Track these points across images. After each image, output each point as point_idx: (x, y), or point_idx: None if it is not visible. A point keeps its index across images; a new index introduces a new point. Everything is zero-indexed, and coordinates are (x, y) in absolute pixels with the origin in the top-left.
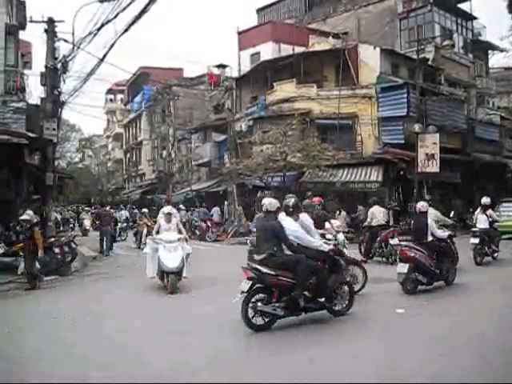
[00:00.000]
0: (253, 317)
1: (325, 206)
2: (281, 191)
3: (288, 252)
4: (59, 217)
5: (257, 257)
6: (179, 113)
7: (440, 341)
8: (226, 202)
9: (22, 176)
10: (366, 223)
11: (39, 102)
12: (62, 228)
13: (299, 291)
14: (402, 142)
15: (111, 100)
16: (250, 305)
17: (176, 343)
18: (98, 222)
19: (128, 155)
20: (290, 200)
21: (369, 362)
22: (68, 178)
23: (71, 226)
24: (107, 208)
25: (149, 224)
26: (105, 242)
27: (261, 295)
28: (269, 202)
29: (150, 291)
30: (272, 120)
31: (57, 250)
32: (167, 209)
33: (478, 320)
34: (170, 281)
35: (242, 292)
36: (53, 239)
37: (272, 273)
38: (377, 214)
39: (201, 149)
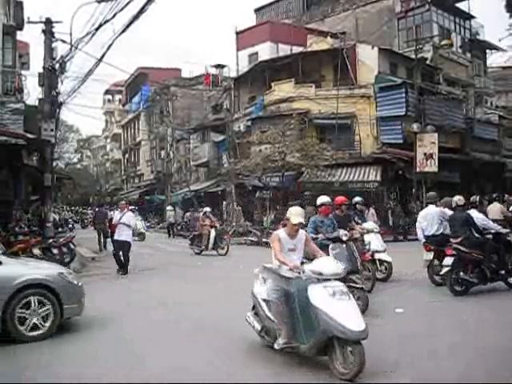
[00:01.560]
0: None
1: (349, 206)
2: (279, 191)
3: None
4: (57, 217)
5: (453, 240)
6: (177, 113)
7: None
8: (224, 203)
9: (20, 177)
10: None
11: (37, 103)
12: (60, 229)
13: (487, 264)
14: (401, 141)
15: (109, 100)
16: (453, 276)
17: None
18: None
19: (126, 156)
20: (476, 197)
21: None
22: (67, 178)
23: (70, 226)
24: (101, 208)
25: (217, 225)
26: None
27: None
28: (458, 198)
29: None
30: (270, 120)
31: (55, 251)
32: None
33: None
34: (356, 357)
35: (447, 266)
36: (51, 240)
37: (467, 251)
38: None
39: (199, 149)
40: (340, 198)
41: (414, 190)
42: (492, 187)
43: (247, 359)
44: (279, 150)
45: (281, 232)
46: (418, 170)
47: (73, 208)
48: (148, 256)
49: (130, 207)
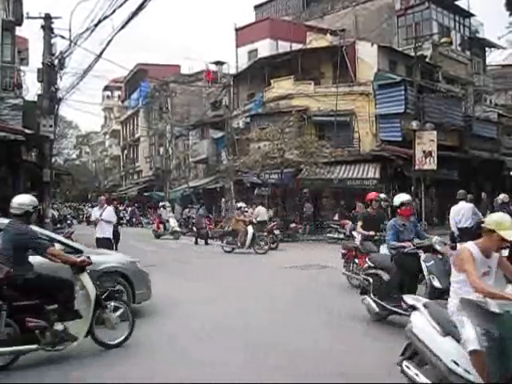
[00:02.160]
0: None
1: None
2: (278, 188)
3: None
4: (56, 214)
5: None
6: (176, 109)
7: None
8: (223, 199)
9: (19, 173)
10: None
11: (36, 99)
12: (59, 225)
13: None
14: (400, 139)
15: (108, 97)
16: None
17: None
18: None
19: (125, 152)
20: None
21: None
22: (66, 174)
23: (68, 222)
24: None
25: (254, 221)
26: None
27: None
28: (504, 196)
29: None
30: (269, 117)
31: None
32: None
33: None
34: None
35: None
36: None
37: None
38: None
39: (198, 145)
40: (372, 194)
41: (412, 188)
42: (491, 185)
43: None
44: (278, 146)
45: (472, 247)
46: (416, 167)
47: (72, 204)
48: (151, 253)
49: (161, 204)
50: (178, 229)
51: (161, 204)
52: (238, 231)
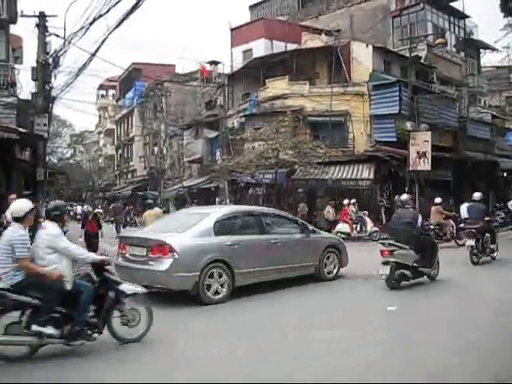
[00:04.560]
0: None
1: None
2: (272, 188)
3: None
4: None
5: None
6: (171, 109)
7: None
8: (217, 199)
9: (12, 171)
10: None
11: (30, 97)
12: None
13: None
14: (394, 139)
15: (103, 96)
16: None
17: None
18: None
19: (119, 151)
20: None
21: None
22: (60, 173)
23: None
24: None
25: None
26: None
27: None
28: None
29: None
30: (264, 117)
31: None
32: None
33: None
34: None
35: None
36: None
37: None
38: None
39: (193, 145)
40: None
41: (406, 189)
42: (484, 186)
43: None
44: (273, 146)
45: None
46: (411, 168)
47: (65, 203)
48: None
49: (149, 201)
50: None
51: (148, 202)
52: (443, 225)
